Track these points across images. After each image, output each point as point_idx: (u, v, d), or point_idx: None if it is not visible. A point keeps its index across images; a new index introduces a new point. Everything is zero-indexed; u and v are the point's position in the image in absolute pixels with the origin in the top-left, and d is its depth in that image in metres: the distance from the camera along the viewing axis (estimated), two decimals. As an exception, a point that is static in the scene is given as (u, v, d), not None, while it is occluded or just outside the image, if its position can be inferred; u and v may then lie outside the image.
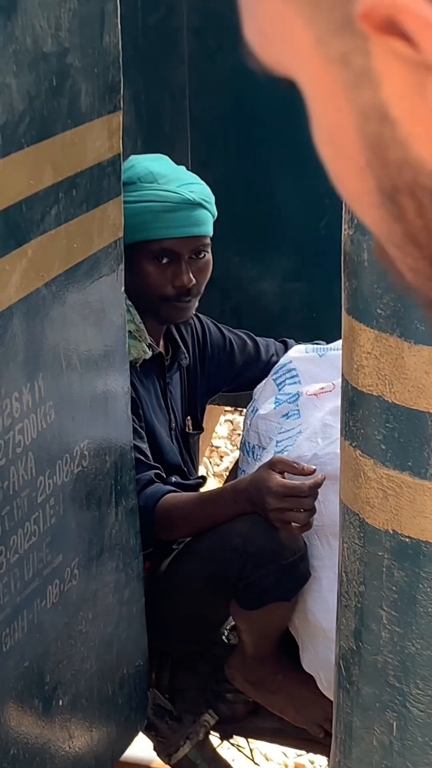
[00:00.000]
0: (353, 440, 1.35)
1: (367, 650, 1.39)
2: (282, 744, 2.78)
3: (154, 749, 2.71)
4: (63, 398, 1.97)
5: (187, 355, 2.79)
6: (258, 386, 2.79)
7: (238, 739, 2.87)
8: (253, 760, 3.00)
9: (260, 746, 2.93)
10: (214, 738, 2.77)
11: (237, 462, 2.93)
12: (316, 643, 2.50)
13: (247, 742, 2.94)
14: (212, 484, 2.89)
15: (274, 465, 2.36)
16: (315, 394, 2.59)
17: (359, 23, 0.47)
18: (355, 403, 1.34)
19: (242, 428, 2.87)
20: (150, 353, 2.60)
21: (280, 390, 2.69)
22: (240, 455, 2.80)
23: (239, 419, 5.56)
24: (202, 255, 2.60)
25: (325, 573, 2.47)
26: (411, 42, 0.46)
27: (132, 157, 2.64)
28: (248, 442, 2.70)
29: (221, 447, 5.46)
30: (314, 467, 2.35)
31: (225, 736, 2.76)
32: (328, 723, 2.56)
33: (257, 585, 2.40)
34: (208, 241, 2.61)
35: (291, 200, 3.24)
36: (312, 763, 3.37)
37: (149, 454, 2.57)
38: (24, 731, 1.98)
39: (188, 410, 2.84)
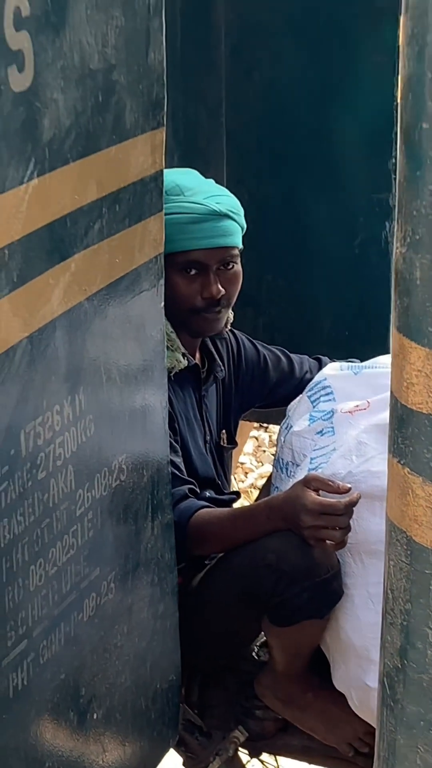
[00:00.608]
0: (402, 458, 1.35)
1: (413, 668, 1.39)
2: (311, 762, 2.77)
3: (184, 765, 2.71)
4: (102, 412, 1.98)
5: (222, 368, 2.79)
6: (292, 403, 2.79)
7: (267, 757, 2.86)
8: (281, 778, 3.00)
9: (289, 764, 2.92)
10: (243, 754, 2.77)
11: (269, 478, 2.93)
12: (348, 662, 2.50)
13: (276, 759, 2.93)
14: (240, 500, 2.89)
15: (309, 482, 2.35)
16: (350, 412, 2.59)
17: None
18: (404, 420, 1.34)
19: (272, 445, 2.87)
20: (185, 362, 2.60)
21: (314, 407, 2.69)
22: (273, 472, 2.80)
23: (264, 436, 5.57)
24: (231, 266, 2.60)
25: (357, 591, 2.47)
26: None
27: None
28: (282, 459, 2.70)
29: (246, 463, 5.46)
30: (349, 485, 2.35)
31: (254, 753, 2.76)
32: (358, 742, 2.56)
33: (290, 602, 2.39)
34: (237, 252, 2.61)
35: (325, 218, 3.26)
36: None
37: (183, 469, 2.58)
38: (59, 744, 1.99)
39: (223, 424, 2.84)
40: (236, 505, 2.80)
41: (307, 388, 2.77)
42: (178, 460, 2.55)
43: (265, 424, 5.18)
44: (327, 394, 2.69)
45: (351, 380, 2.70)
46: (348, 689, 2.51)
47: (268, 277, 3.25)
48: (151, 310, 2.11)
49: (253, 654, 2.74)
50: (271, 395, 2.94)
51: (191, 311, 2.59)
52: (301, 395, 2.78)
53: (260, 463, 5.42)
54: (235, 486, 5.14)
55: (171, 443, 2.44)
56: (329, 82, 3.18)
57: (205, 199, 2.55)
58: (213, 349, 2.78)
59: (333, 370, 2.77)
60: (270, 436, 5.55)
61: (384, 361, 2.73)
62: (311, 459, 2.57)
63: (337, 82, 3.17)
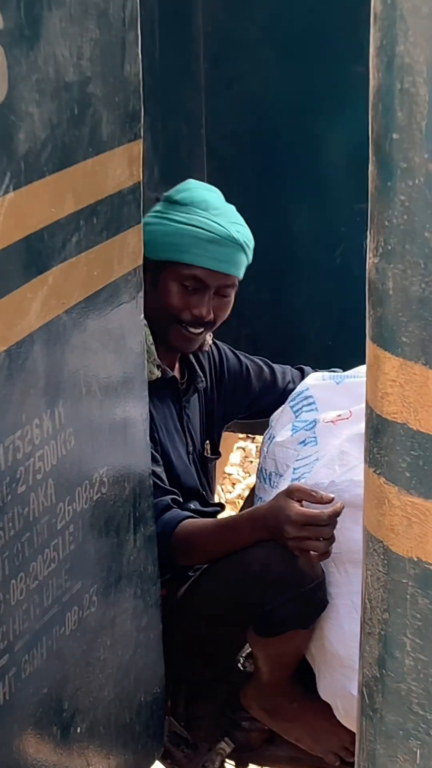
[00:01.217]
0: (377, 467, 1.35)
1: (391, 678, 1.39)
2: (297, 772, 2.77)
3: (170, 777, 2.70)
4: (83, 425, 1.98)
5: (203, 379, 2.80)
6: (275, 413, 2.80)
7: (253, 768, 2.86)
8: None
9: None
10: (230, 766, 2.76)
11: (253, 488, 2.93)
12: (333, 671, 2.50)
13: (263, 770, 2.93)
14: (225, 512, 2.89)
15: (292, 493, 2.36)
16: (332, 422, 2.59)
17: None
18: (379, 430, 1.34)
19: (256, 455, 2.87)
20: (158, 374, 2.61)
21: (297, 417, 2.69)
22: (257, 482, 2.80)
23: (251, 446, 5.56)
24: (227, 294, 2.62)
25: (342, 601, 2.47)
26: None
27: (190, 180, 2.68)
28: (265, 469, 2.70)
29: (233, 474, 5.45)
30: (332, 495, 2.35)
31: (241, 765, 2.75)
32: (344, 751, 2.56)
33: (275, 612, 2.39)
34: (236, 283, 2.63)
35: (307, 228, 3.26)
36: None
37: (165, 479, 2.58)
38: (43, 759, 1.98)
39: (206, 435, 2.84)
40: (221, 516, 2.80)
41: (290, 398, 2.77)
42: (160, 470, 2.56)
43: (251, 435, 5.18)
44: (309, 404, 2.70)
45: (333, 390, 2.71)
46: (333, 699, 2.51)
47: (250, 287, 3.25)
48: (130, 322, 2.11)
49: (239, 665, 2.73)
50: (253, 406, 2.94)
51: (175, 320, 2.60)
52: (283, 405, 2.78)
53: (247, 474, 5.42)
54: (222, 497, 5.13)
55: (152, 453, 2.44)
56: (310, 92, 3.18)
57: (227, 224, 2.57)
58: (194, 361, 2.78)
59: (315, 379, 2.77)
60: (257, 447, 5.55)
61: (366, 370, 2.73)
62: (294, 469, 2.57)
63: (318, 93, 3.17)
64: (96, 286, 1.97)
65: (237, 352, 2.93)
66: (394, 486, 1.32)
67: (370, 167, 1.30)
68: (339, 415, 2.60)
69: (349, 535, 2.41)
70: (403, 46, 1.20)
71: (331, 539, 2.33)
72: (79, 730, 2.09)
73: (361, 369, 2.75)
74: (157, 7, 3.08)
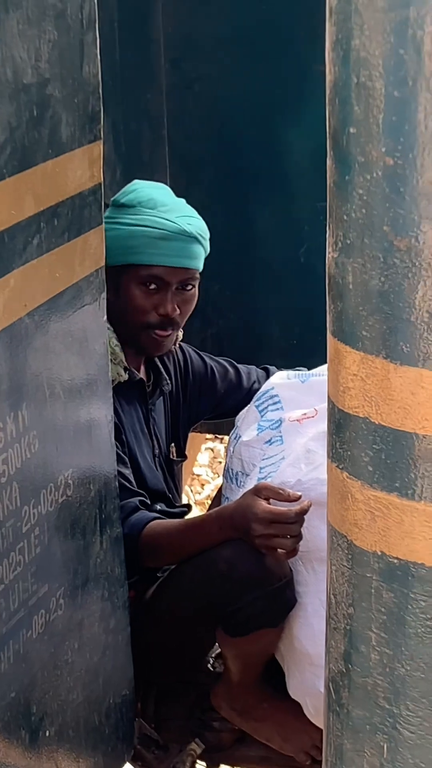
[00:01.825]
0: (340, 462, 1.35)
1: (357, 672, 1.39)
2: (269, 772, 2.77)
3: (141, 779, 2.69)
4: (47, 427, 1.97)
5: (169, 381, 2.79)
6: (240, 413, 2.79)
7: (225, 768, 2.85)
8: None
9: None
10: (201, 767, 2.76)
11: (220, 489, 2.93)
12: (302, 670, 2.49)
13: (234, 770, 2.92)
14: (194, 512, 2.89)
15: (259, 491, 2.35)
16: (298, 420, 2.59)
17: None
18: (341, 425, 1.34)
19: (224, 456, 2.87)
20: (126, 376, 2.60)
21: (262, 416, 2.69)
22: (223, 482, 2.79)
23: (220, 447, 5.56)
24: (189, 288, 2.61)
25: (310, 599, 2.47)
26: None
27: (136, 181, 2.66)
28: (231, 469, 2.70)
29: (202, 475, 5.45)
30: (299, 493, 2.35)
31: (212, 765, 2.75)
32: (314, 750, 2.56)
33: (243, 611, 2.39)
34: (197, 275, 2.62)
35: (270, 227, 3.26)
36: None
37: (133, 480, 2.57)
38: (11, 763, 1.97)
39: (172, 437, 2.84)
40: (188, 517, 2.80)
41: (255, 398, 2.77)
42: (127, 472, 2.55)
43: (219, 436, 5.18)
44: (275, 404, 2.70)
45: (298, 389, 2.71)
46: (303, 697, 2.51)
47: (215, 287, 3.26)
48: (93, 323, 2.10)
49: (209, 665, 2.73)
50: (219, 406, 2.94)
51: (143, 326, 2.59)
52: (249, 405, 2.78)
53: (216, 475, 5.42)
54: (191, 498, 5.13)
55: (119, 455, 2.44)
56: (272, 92, 3.19)
57: (177, 218, 2.56)
58: (159, 363, 2.78)
59: (280, 378, 2.77)
60: (225, 448, 5.55)
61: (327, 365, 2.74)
62: (260, 468, 2.57)
63: (279, 92, 3.18)
64: (58, 288, 1.97)
65: (201, 353, 2.93)
66: (357, 480, 1.32)
67: (328, 161, 1.30)
68: (304, 414, 2.60)
69: (316, 533, 2.41)
70: (358, 39, 1.20)
71: (299, 537, 2.34)
72: (48, 733, 2.08)
73: (326, 368, 2.75)
74: (117, 8, 3.08)
